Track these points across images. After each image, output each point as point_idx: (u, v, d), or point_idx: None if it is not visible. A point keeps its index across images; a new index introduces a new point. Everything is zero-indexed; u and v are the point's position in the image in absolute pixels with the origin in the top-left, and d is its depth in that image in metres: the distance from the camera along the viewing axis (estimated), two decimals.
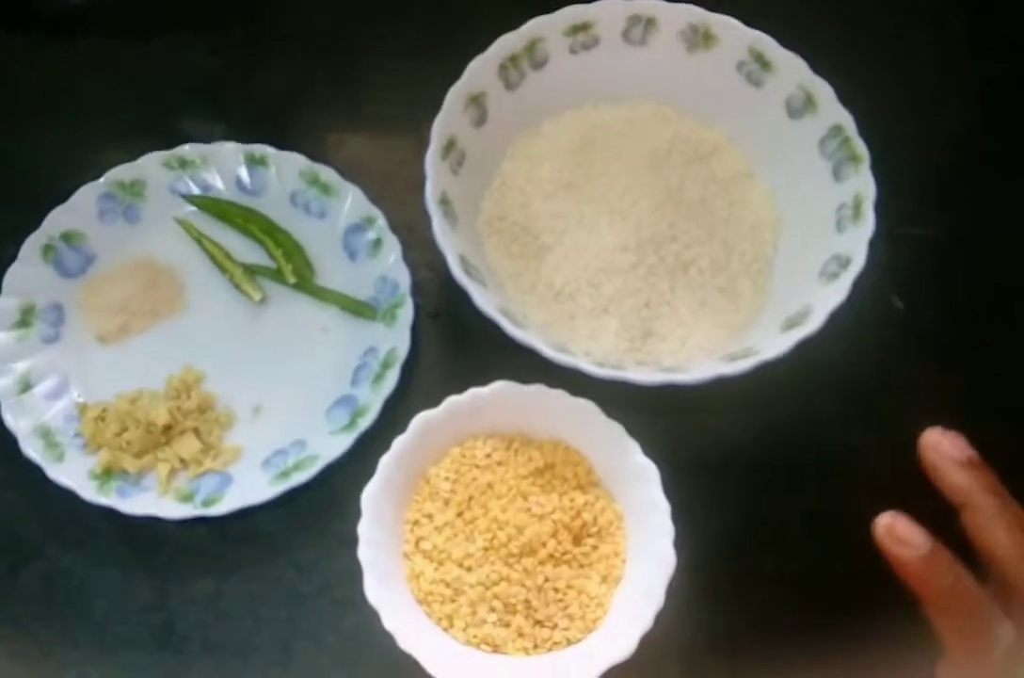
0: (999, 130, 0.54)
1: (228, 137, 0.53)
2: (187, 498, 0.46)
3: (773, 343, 0.40)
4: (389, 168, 0.53)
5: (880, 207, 0.43)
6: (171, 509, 0.45)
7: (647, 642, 0.38)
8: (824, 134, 0.45)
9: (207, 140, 0.53)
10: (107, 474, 0.47)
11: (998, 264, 0.51)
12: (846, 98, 0.45)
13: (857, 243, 0.41)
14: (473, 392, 0.42)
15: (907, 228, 0.50)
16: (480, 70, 0.46)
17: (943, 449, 0.32)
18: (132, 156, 0.52)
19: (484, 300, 0.41)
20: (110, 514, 0.45)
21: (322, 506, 0.46)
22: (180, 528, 0.46)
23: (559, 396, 0.41)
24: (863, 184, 0.43)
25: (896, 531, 0.32)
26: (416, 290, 0.49)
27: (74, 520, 0.47)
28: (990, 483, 0.32)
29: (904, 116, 0.52)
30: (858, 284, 0.41)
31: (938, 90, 0.55)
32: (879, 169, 0.43)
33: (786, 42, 0.46)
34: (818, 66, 0.45)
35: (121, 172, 0.52)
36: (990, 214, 0.52)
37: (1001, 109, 0.55)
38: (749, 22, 0.46)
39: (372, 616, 0.39)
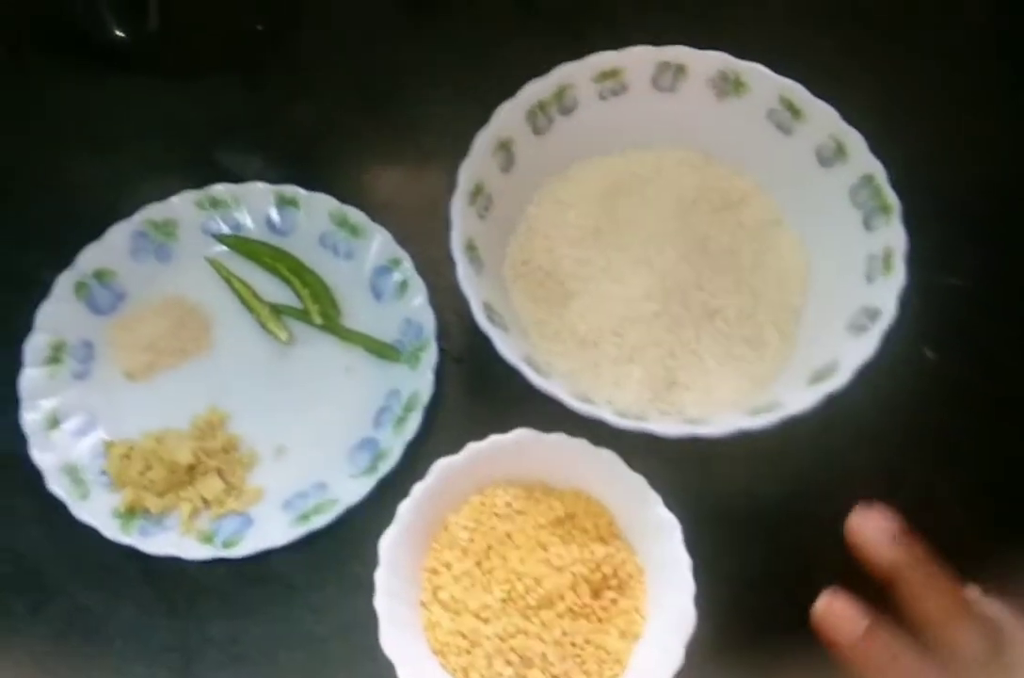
0: None
1: (260, 175, 0.54)
2: (208, 539, 0.46)
3: (799, 397, 0.39)
4: (419, 208, 0.54)
5: (912, 257, 0.42)
6: (192, 550, 0.45)
7: None
8: (855, 183, 0.44)
9: (240, 178, 0.53)
10: (131, 513, 0.47)
11: None
12: (878, 144, 0.44)
13: (887, 295, 0.41)
14: (494, 439, 0.42)
15: (939, 278, 0.49)
16: (508, 116, 0.46)
17: (869, 528, 0.33)
18: (165, 192, 0.53)
19: (507, 348, 0.41)
20: (131, 553, 0.46)
21: (340, 549, 0.46)
22: (200, 568, 0.46)
23: (580, 445, 0.41)
24: (894, 235, 0.42)
25: (834, 609, 0.33)
26: (441, 333, 0.49)
27: (96, 558, 0.47)
28: (917, 555, 0.33)
29: (937, 164, 0.52)
30: (888, 335, 0.40)
31: (972, 137, 0.54)
32: (911, 218, 0.43)
33: (816, 89, 0.46)
34: (849, 113, 0.45)
35: (154, 211, 0.53)
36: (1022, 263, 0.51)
37: None
38: (779, 69, 0.46)
39: (387, 665, 0.39)
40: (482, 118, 0.46)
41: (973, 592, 0.35)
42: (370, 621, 0.40)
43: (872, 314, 0.41)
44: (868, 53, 0.56)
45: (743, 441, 0.39)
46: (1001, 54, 0.57)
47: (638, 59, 0.47)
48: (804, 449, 0.44)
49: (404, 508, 0.41)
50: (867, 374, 0.39)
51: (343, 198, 0.52)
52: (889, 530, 0.33)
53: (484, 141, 0.46)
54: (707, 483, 0.45)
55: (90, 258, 0.52)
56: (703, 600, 0.38)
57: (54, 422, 0.49)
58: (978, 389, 0.48)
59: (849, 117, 0.45)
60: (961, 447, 0.47)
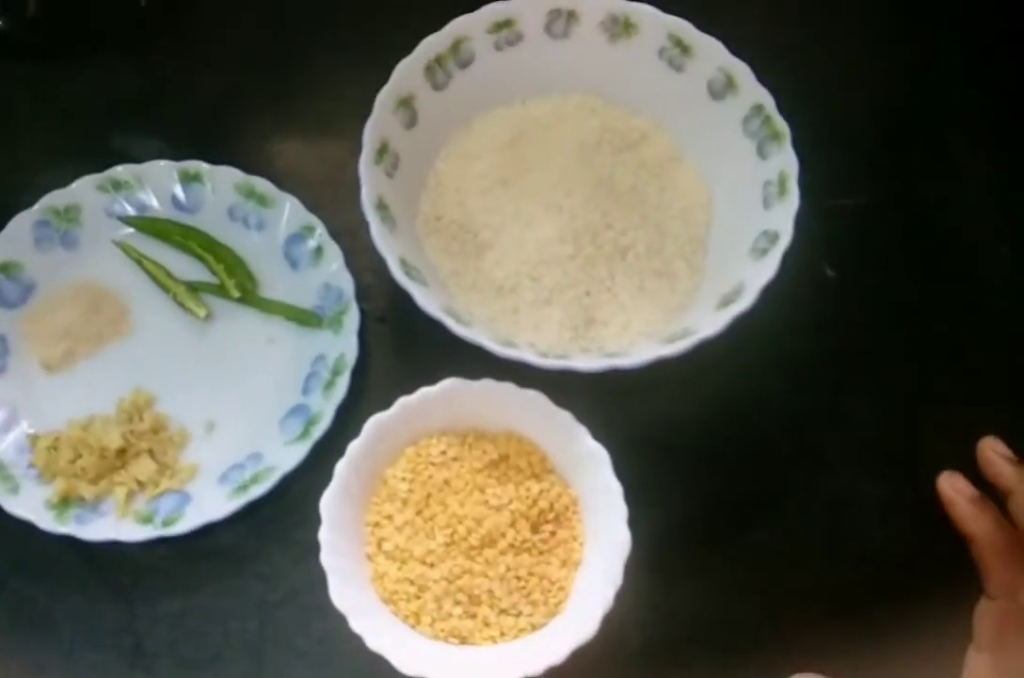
0: (923, 101, 0.55)
1: (162, 153, 0.53)
2: (147, 520, 0.45)
3: (710, 322, 0.40)
4: (326, 174, 0.53)
5: (807, 181, 0.43)
6: (131, 532, 0.45)
7: (608, 621, 0.38)
8: (746, 114, 0.45)
9: (141, 158, 0.52)
10: (64, 503, 0.46)
11: (925, 228, 0.52)
12: (768, 75, 0.45)
13: (784, 219, 0.42)
14: (423, 391, 0.42)
15: (836, 200, 0.51)
16: (407, 72, 0.46)
17: (990, 450, 0.44)
18: (66, 179, 0.52)
19: (427, 301, 0.41)
20: (71, 541, 0.45)
21: (283, 516, 0.46)
22: (142, 550, 0.45)
23: (507, 389, 0.42)
24: (786, 160, 0.43)
25: (953, 482, 0.44)
26: (361, 295, 0.49)
27: (36, 550, 0.46)
28: None
29: (827, 91, 0.53)
30: (790, 258, 0.42)
31: (860, 64, 0.55)
32: (804, 145, 0.44)
33: (704, 24, 0.47)
34: (738, 46, 0.46)
35: (55, 198, 0.51)
36: (914, 181, 0.53)
37: (924, 82, 0.56)
38: (667, 7, 0.47)
39: (341, 620, 0.39)
40: (382, 80, 0.46)
41: None
42: (320, 583, 0.40)
43: (772, 237, 0.42)
44: None
45: (661, 369, 0.40)
46: None
47: (529, 7, 0.48)
48: (717, 372, 0.45)
49: (340, 467, 0.41)
50: (772, 295, 0.40)
51: (249, 170, 0.51)
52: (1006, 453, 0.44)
53: (385, 99, 0.46)
54: (630, 413, 0.46)
55: None
56: (635, 523, 0.39)
57: None
58: (878, 302, 0.50)
59: (738, 50, 0.46)
60: (867, 360, 0.49)
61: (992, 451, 0.44)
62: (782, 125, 0.44)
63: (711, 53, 0.46)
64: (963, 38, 0.56)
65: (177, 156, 0.52)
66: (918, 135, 0.54)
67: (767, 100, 0.45)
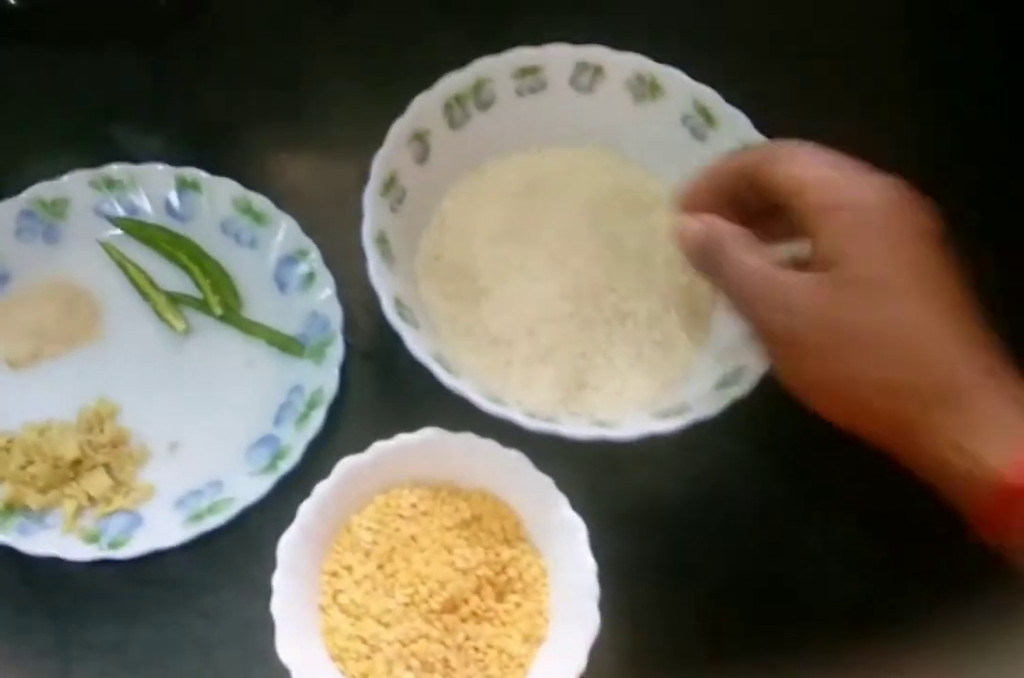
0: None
1: (161, 154, 0.52)
2: (93, 538, 0.44)
3: (706, 401, 0.40)
4: (327, 198, 0.52)
5: None
6: (75, 550, 0.43)
7: None
8: None
9: (138, 158, 0.51)
10: (8, 509, 0.44)
11: None
12: None
13: None
14: (401, 438, 0.41)
15: None
16: (425, 107, 0.45)
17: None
18: (57, 170, 0.50)
19: (417, 345, 0.40)
20: (9, 551, 0.43)
21: (237, 551, 0.44)
22: (85, 569, 0.43)
23: (489, 446, 0.41)
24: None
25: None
26: (349, 328, 0.47)
27: None
28: None
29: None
30: None
31: (886, 151, 0.55)
32: None
33: (730, 95, 0.46)
34: (763, 121, 0.45)
35: (44, 189, 0.50)
36: None
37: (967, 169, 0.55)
38: (695, 73, 0.47)
39: (284, 670, 0.38)
40: (396, 110, 0.45)
41: None
42: (266, 625, 0.38)
43: None
44: (780, 57, 0.56)
45: (649, 442, 0.39)
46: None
47: (557, 57, 0.47)
48: (707, 451, 0.45)
49: (305, 508, 0.40)
50: (772, 378, 0.40)
51: (248, 184, 0.50)
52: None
53: (399, 131, 0.45)
54: (613, 483, 0.45)
55: None
56: (607, 602, 0.38)
57: None
58: None
59: (762, 126, 0.45)
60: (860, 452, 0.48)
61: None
62: None
63: (735, 126, 0.45)
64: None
65: (175, 160, 0.51)
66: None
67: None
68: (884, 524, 0.46)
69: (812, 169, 0.35)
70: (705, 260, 0.37)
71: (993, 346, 0.33)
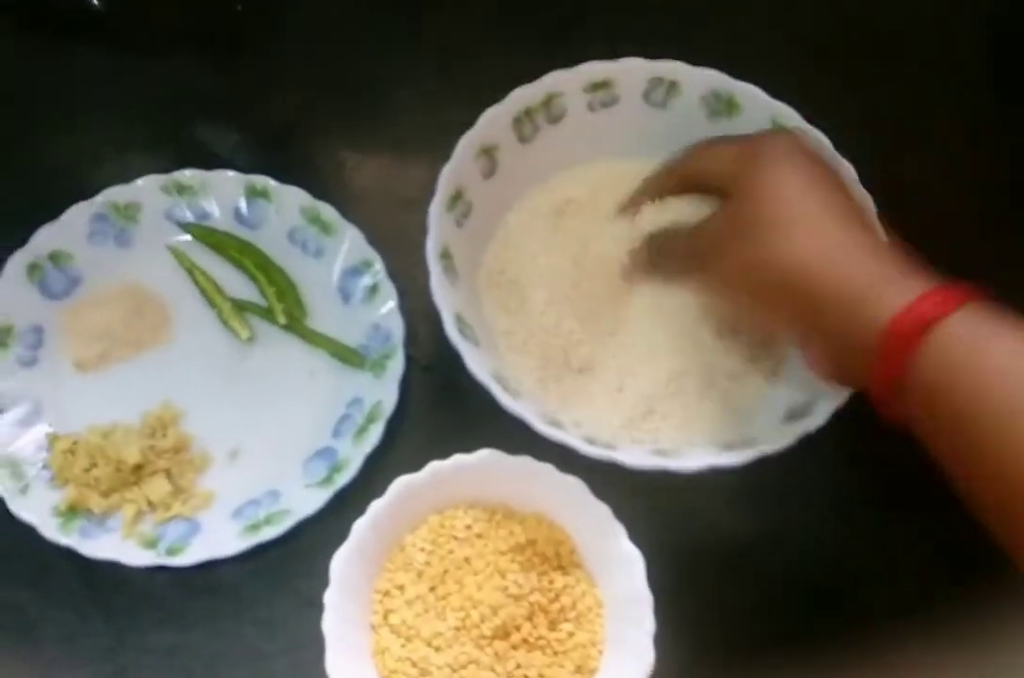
0: None
1: (231, 161, 0.52)
2: (151, 544, 0.44)
3: (774, 434, 0.38)
4: (393, 209, 0.52)
5: None
6: (133, 555, 0.44)
7: None
8: None
9: (208, 163, 0.51)
10: (72, 512, 0.45)
11: None
12: (864, 177, 0.43)
13: None
14: (457, 459, 0.40)
15: None
16: (494, 121, 0.45)
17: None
18: (128, 174, 0.51)
19: (477, 364, 0.39)
20: (70, 553, 0.44)
21: (291, 562, 0.44)
22: (142, 574, 0.44)
23: (546, 470, 0.40)
24: None
25: None
26: (410, 340, 0.47)
27: (33, 556, 0.45)
28: None
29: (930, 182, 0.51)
30: None
31: (962, 157, 0.53)
32: None
33: (809, 113, 0.45)
34: (841, 140, 0.44)
35: (116, 193, 0.51)
36: None
37: None
38: (773, 90, 0.45)
39: None
40: (465, 119, 0.44)
41: None
42: (318, 640, 0.39)
43: None
44: (861, 76, 0.55)
45: (715, 473, 0.38)
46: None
47: (631, 71, 0.46)
48: (776, 487, 0.43)
49: (359, 526, 0.39)
50: (846, 420, 0.38)
51: (315, 192, 0.50)
52: None
53: (467, 146, 0.44)
54: (675, 515, 0.44)
55: (46, 239, 0.49)
56: (664, 637, 0.37)
57: None
58: None
59: (841, 144, 0.44)
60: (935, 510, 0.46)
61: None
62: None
63: (814, 146, 0.44)
64: None
65: (246, 166, 0.51)
66: None
67: (867, 201, 0.42)
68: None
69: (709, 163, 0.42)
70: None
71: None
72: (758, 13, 0.56)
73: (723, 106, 0.46)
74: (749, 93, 0.45)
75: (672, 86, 0.46)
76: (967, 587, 0.44)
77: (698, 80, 0.46)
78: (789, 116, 0.45)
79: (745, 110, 0.45)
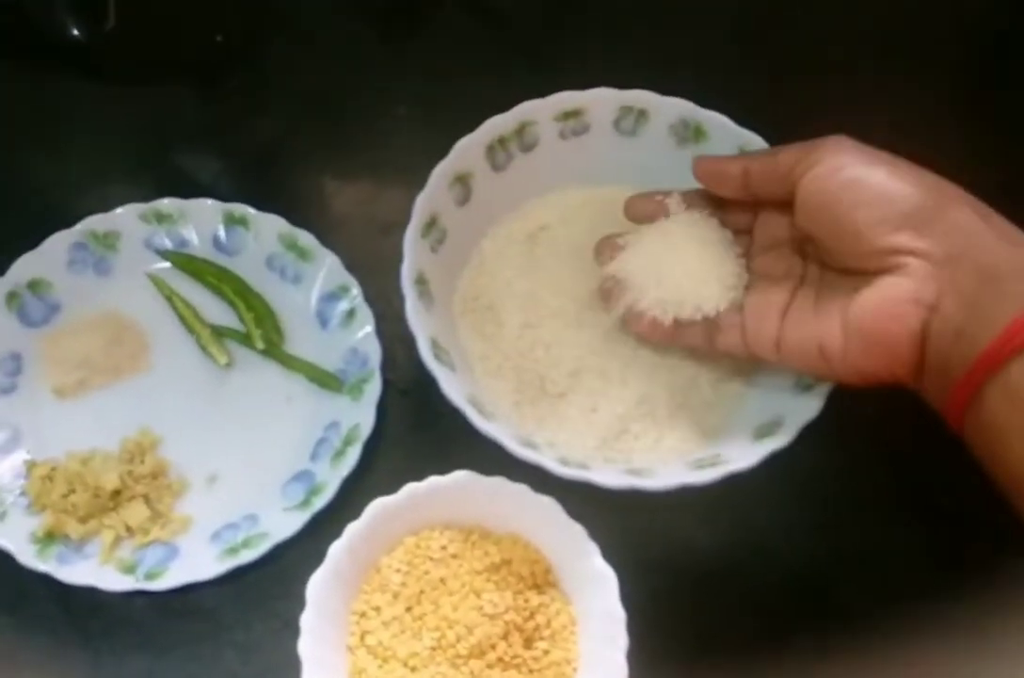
0: None
1: (213, 188, 0.53)
2: (129, 569, 0.44)
3: (743, 452, 0.39)
4: (370, 235, 0.53)
5: None
6: (111, 580, 0.44)
7: None
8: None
9: (188, 192, 0.52)
10: (49, 538, 0.45)
11: None
12: None
13: None
14: (433, 480, 0.41)
15: None
16: (467, 150, 0.46)
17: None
18: (109, 203, 0.52)
19: (451, 388, 0.40)
20: (48, 578, 0.44)
21: (269, 585, 0.44)
22: (120, 599, 0.44)
23: (521, 491, 0.40)
24: None
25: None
26: (387, 364, 0.48)
27: (9, 581, 0.45)
28: None
29: None
30: (834, 397, 0.40)
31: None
32: None
33: (776, 140, 0.46)
34: None
35: (96, 222, 0.51)
36: None
37: None
38: (741, 119, 0.46)
39: None
40: (442, 146, 0.45)
41: None
42: (295, 663, 0.39)
43: None
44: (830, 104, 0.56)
45: (686, 490, 0.39)
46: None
47: (601, 100, 0.47)
48: (746, 502, 0.44)
49: (336, 549, 0.40)
50: (814, 431, 0.39)
51: (294, 217, 0.51)
52: None
53: (441, 174, 0.45)
54: (649, 533, 0.45)
55: (25, 267, 0.50)
56: (637, 654, 0.38)
57: None
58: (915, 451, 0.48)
59: None
60: (897, 501, 0.47)
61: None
62: None
63: None
64: None
65: (224, 194, 0.52)
66: None
67: None
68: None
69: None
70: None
71: None
72: (727, 44, 0.58)
73: (691, 134, 0.47)
74: (716, 121, 0.46)
75: (641, 115, 0.47)
76: (950, 604, 0.44)
77: (666, 109, 0.47)
78: (756, 143, 0.46)
79: (712, 138, 0.47)
